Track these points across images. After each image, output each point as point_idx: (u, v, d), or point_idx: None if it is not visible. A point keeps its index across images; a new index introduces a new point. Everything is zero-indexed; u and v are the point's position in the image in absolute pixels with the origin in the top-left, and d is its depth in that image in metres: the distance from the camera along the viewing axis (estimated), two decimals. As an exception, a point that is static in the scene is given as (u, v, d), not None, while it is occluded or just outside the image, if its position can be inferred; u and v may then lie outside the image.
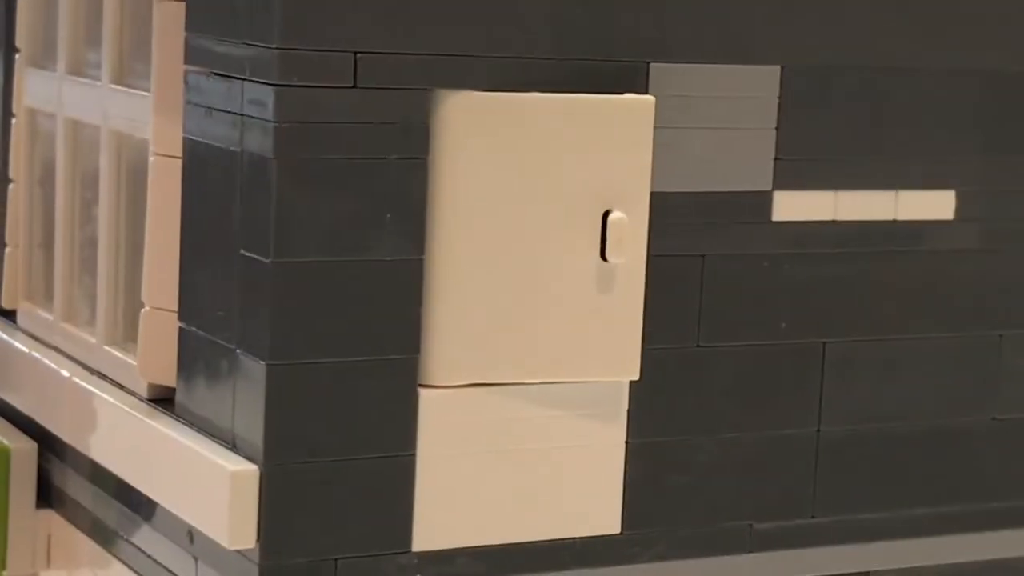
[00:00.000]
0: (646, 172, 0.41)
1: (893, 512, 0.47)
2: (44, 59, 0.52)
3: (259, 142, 0.38)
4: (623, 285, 0.41)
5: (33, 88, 0.52)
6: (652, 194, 0.42)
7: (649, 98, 0.41)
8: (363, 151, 0.38)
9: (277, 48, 0.38)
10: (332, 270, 0.39)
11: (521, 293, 0.40)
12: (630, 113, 0.41)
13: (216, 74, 0.40)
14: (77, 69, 0.49)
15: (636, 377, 0.42)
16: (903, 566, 0.47)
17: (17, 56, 0.52)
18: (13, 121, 0.53)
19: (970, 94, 0.46)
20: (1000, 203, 0.47)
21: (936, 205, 0.46)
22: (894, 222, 0.45)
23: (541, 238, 0.40)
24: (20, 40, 0.52)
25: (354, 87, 0.38)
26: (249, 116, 0.39)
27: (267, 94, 0.38)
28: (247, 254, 0.39)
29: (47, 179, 0.52)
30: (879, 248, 0.45)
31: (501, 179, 0.40)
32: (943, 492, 0.47)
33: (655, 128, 0.41)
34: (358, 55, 0.38)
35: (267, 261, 0.38)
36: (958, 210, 0.46)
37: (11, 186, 0.53)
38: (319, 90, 0.38)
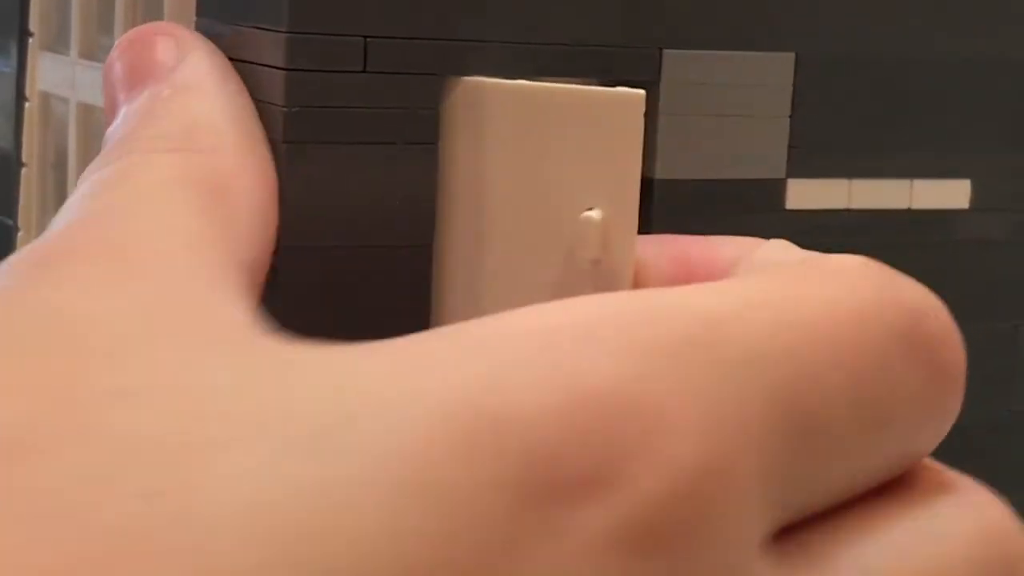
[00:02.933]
0: (636, 168, 0.40)
1: (906, 503, 0.46)
2: (57, 43, 0.51)
3: (268, 127, 0.38)
4: (609, 283, 0.39)
5: (46, 72, 0.52)
6: (664, 182, 0.42)
7: (639, 92, 0.39)
8: (372, 136, 0.38)
9: (286, 32, 0.37)
10: (341, 255, 0.38)
11: (524, 281, 0.40)
12: (618, 107, 0.39)
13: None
14: (90, 53, 0.49)
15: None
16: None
17: (31, 40, 0.52)
18: (27, 105, 0.53)
19: (986, 83, 0.46)
20: (1016, 192, 0.46)
21: (951, 194, 0.46)
22: (908, 211, 0.45)
23: (535, 231, 0.39)
24: (33, 24, 0.52)
25: (364, 72, 0.38)
26: (258, 100, 0.38)
27: (277, 79, 0.38)
28: (256, 239, 0.39)
29: (60, 163, 0.52)
30: (893, 237, 0.45)
31: (503, 168, 0.39)
32: (957, 483, 0.47)
33: (668, 115, 0.41)
34: (368, 40, 0.38)
35: (278, 246, 0.38)
36: (973, 199, 0.46)
37: (24, 170, 0.53)
38: (328, 75, 0.38)
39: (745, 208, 0.43)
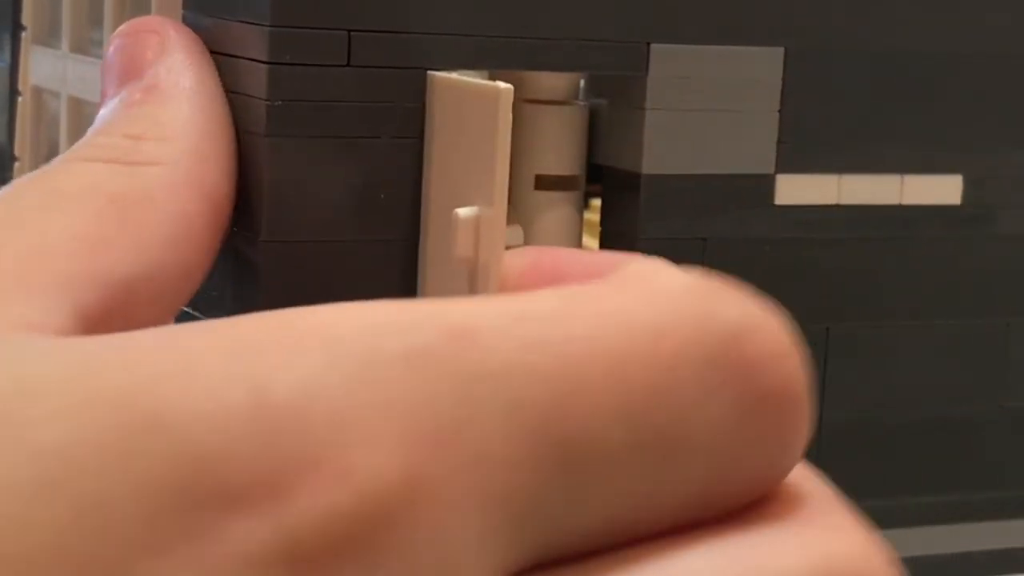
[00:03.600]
0: (501, 166, 0.37)
1: (897, 500, 0.46)
2: (50, 37, 0.51)
3: (251, 121, 0.38)
4: (475, 284, 0.38)
5: (39, 66, 0.52)
6: (653, 177, 0.41)
7: (505, 86, 0.37)
8: (356, 130, 0.38)
9: (270, 26, 0.37)
10: (324, 249, 0.38)
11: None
12: (482, 99, 0.37)
13: (212, 52, 0.40)
14: (81, 47, 0.49)
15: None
16: (907, 555, 0.46)
17: (23, 34, 0.52)
18: (19, 99, 0.53)
19: (977, 78, 0.45)
20: (1007, 188, 0.46)
21: (943, 190, 0.45)
22: (899, 207, 0.45)
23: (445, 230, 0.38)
24: (26, 18, 0.52)
25: (348, 66, 0.38)
26: (242, 94, 0.38)
27: (260, 72, 0.38)
28: (239, 232, 0.39)
29: (52, 158, 0.51)
30: (884, 233, 0.45)
31: (444, 162, 0.39)
32: (948, 480, 0.47)
33: (655, 110, 0.41)
34: (352, 33, 0.38)
35: (259, 240, 0.38)
36: (965, 195, 0.46)
37: (16, 164, 0.53)
38: (312, 68, 0.38)
39: (733, 204, 0.43)
